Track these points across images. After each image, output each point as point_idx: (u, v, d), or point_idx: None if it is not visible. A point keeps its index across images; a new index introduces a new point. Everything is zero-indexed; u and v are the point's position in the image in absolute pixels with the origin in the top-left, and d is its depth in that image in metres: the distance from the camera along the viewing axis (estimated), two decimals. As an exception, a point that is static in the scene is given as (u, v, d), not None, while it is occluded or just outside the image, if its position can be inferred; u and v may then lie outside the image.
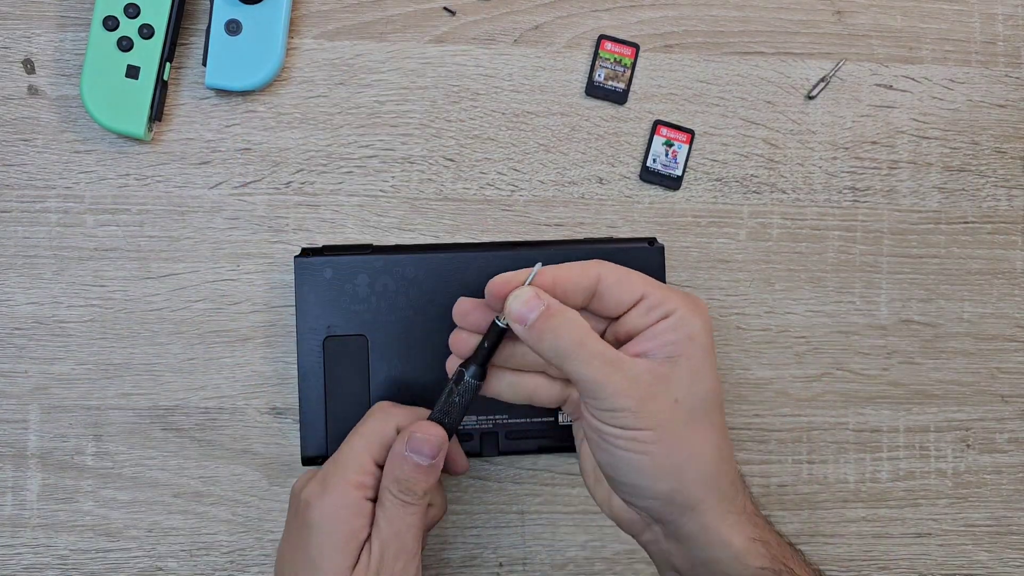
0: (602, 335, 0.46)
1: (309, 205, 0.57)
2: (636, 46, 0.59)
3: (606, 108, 0.59)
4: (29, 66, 0.57)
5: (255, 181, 0.57)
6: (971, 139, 0.61)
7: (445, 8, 0.58)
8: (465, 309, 0.47)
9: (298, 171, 0.57)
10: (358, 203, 0.58)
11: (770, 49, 0.60)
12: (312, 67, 0.58)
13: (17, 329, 0.56)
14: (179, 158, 0.57)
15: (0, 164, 0.56)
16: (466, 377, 0.46)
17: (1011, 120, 0.61)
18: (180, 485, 0.56)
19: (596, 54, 0.59)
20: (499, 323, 0.45)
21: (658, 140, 0.59)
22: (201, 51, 0.56)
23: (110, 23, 0.54)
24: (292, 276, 0.54)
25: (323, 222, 0.57)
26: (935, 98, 0.61)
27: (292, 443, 0.57)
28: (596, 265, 0.45)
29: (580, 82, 0.59)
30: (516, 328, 0.44)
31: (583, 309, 0.45)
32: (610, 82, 0.59)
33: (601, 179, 0.59)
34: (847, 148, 0.60)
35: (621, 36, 0.59)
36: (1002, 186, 0.61)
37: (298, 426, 0.55)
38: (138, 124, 0.55)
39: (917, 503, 0.60)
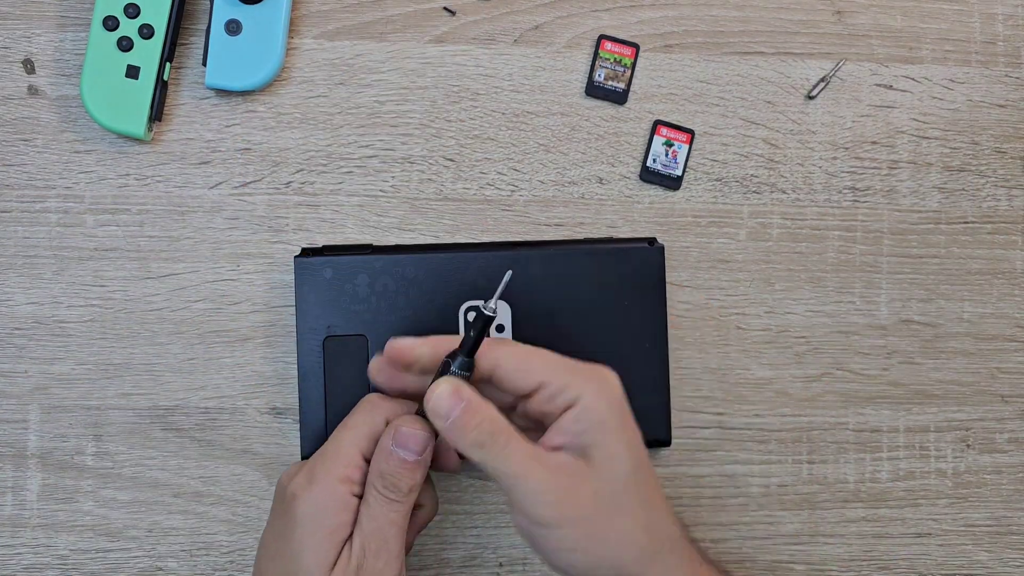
0: (512, 409, 0.46)
1: (309, 205, 0.57)
2: (636, 46, 0.59)
3: (606, 108, 0.59)
4: (29, 66, 0.57)
5: (255, 181, 0.57)
6: (971, 139, 0.61)
7: (445, 8, 0.58)
8: (374, 369, 0.48)
9: (298, 171, 0.57)
10: (358, 203, 0.58)
11: (770, 49, 0.60)
12: (312, 67, 0.58)
13: (17, 329, 0.56)
14: (179, 158, 0.57)
15: (0, 164, 0.56)
16: (452, 368, 0.44)
17: (1011, 120, 0.61)
18: (180, 485, 0.56)
19: (596, 54, 0.59)
20: (484, 311, 0.44)
21: (658, 140, 0.59)
22: (201, 51, 0.56)
23: (110, 23, 0.54)
24: (292, 276, 0.54)
25: (323, 222, 0.57)
26: (935, 98, 0.61)
27: (292, 443, 0.57)
28: (495, 349, 0.45)
29: (580, 82, 0.59)
30: (436, 423, 0.44)
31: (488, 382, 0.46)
32: (610, 82, 0.59)
33: (601, 179, 0.59)
34: (847, 148, 0.60)
35: (621, 36, 0.59)
36: (1002, 186, 0.61)
37: (298, 426, 0.55)
38: (138, 124, 0.55)
39: (917, 503, 0.60)
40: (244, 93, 0.57)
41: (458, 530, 0.58)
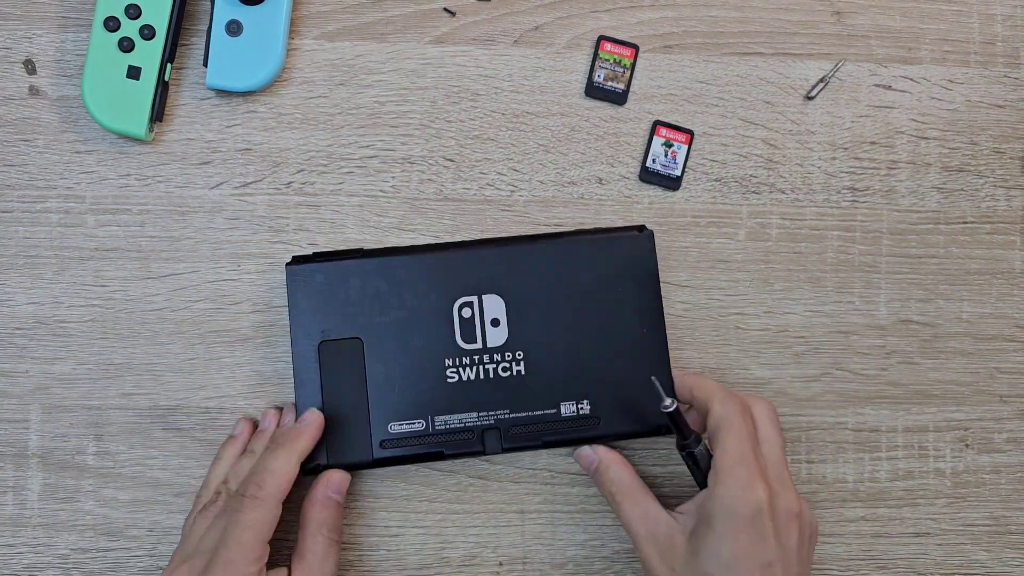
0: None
1: (309, 205, 0.58)
2: (635, 47, 0.59)
3: (606, 109, 0.59)
4: (30, 67, 0.57)
5: (256, 181, 0.57)
6: (970, 139, 0.61)
7: (445, 9, 0.59)
8: None
9: (298, 171, 0.58)
10: (358, 203, 0.58)
11: (769, 50, 0.60)
12: (312, 68, 0.58)
13: (18, 329, 0.56)
14: (180, 158, 0.57)
15: (1, 164, 0.56)
16: (698, 448, 0.52)
17: (1010, 120, 0.62)
18: (181, 485, 0.56)
19: (596, 55, 0.59)
20: (664, 410, 0.51)
21: (657, 140, 0.59)
22: (202, 52, 0.56)
23: (111, 24, 0.54)
24: (292, 276, 0.54)
25: (323, 222, 0.57)
26: (934, 98, 0.61)
27: (292, 443, 0.57)
28: (711, 399, 0.52)
29: (580, 83, 0.59)
30: (586, 471, 0.55)
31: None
32: (610, 83, 0.59)
33: (601, 179, 0.59)
34: (846, 148, 0.60)
35: (621, 37, 0.59)
36: (1001, 186, 0.61)
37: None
38: (139, 124, 0.55)
39: (916, 503, 0.60)
40: (245, 94, 0.57)
41: (458, 530, 0.58)
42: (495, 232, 0.58)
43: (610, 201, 0.59)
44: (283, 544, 0.54)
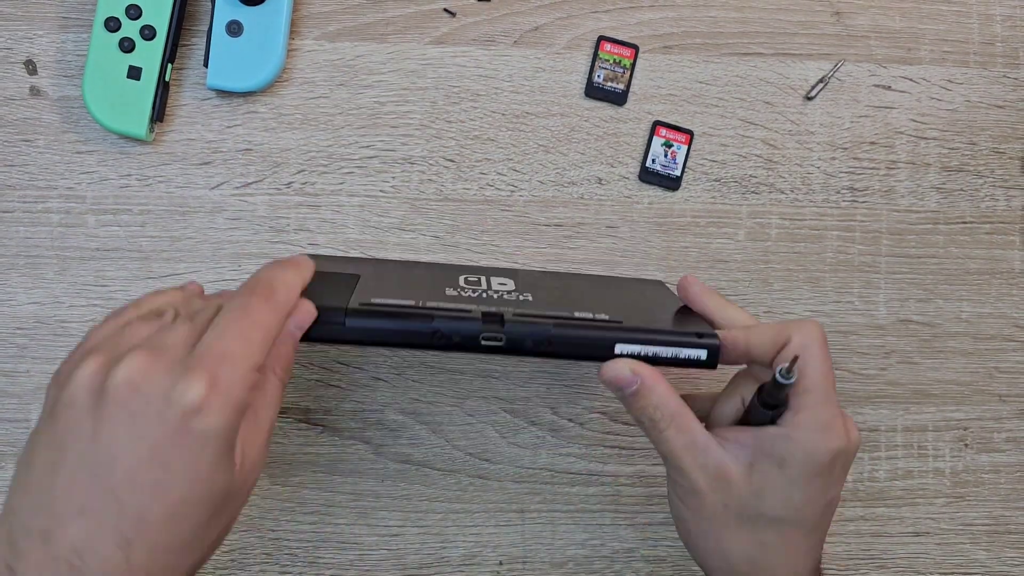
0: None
1: (310, 206, 0.58)
2: (635, 47, 0.59)
3: (605, 109, 0.59)
4: (31, 67, 0.57)
5: (256, 182, 0.58)
6: (969, 139, 0.61)
7: (445, 9, 0.59)
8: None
9: (299, 172, 0.58)
10: (359, 203, 0.58)
11: (769, 50, 0.60)
12: (313, 68, 0.58)
13: (19, 329, 0.56)
14: (180, 159, 0.57)
15: (2, 164, 0.56)
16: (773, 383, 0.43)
17: (1009, 121, 0.62)
18: (181, 484, 0.56)
19: (595, 55, 0.59)
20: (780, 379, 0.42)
21: (657, 141, 0.59)
22: (202, 52, 0.56)
23: (112, 24, 0.55)
24: (293, 276, 0.54)
25: (324, 222, 0.58)
26: (933, 99, 0.61)
27: (293, 442, 0.57)
28: (793, 335, 0.44)
29: (580, 83, 0.59)
30: (613, 392, 0.45)
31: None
32: (609, 83, 0.59)
33: (600, 179, 0.59)
34: (845, 148, 0.60)
35: (620, 37, 0.59)
36: (1000, 186, 0.61)
37: (298, 427, 0.55)
38: (140, 125, 0.55)
39: (915, 502, 0.60)
40: (245, 94, 0.57)
41: (458, 529, 0.58)
42: (495, 232, 0.58)
43: (610, 201, 0.59)
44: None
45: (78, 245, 0.57)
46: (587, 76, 0.59)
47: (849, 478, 0.60)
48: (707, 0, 0.60)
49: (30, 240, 0.56)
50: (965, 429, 0.61)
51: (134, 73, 0.55)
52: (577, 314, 0.44)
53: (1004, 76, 0.62)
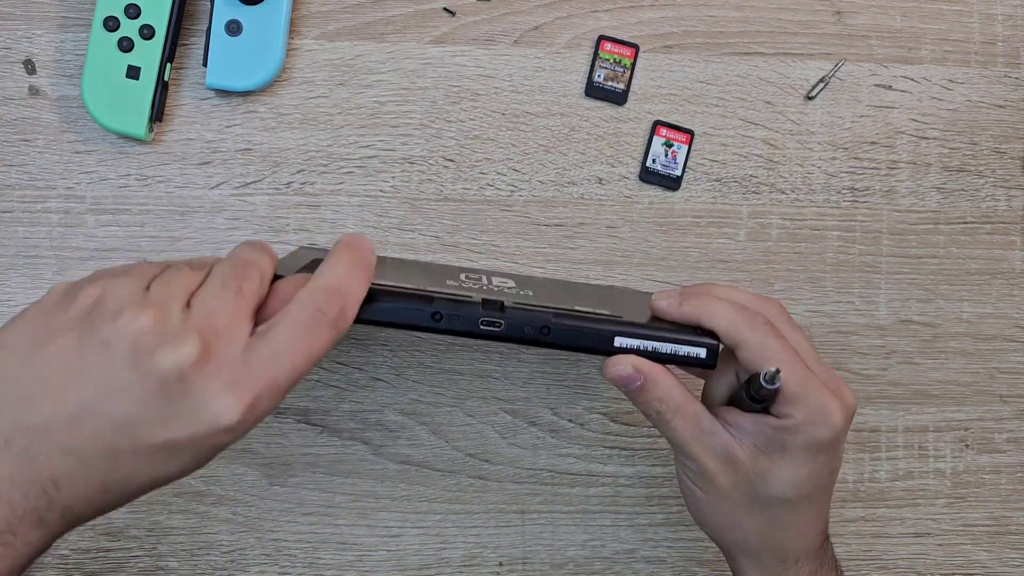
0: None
1: (310, 205, 0.57)
2: (636, 47, 0.59)
3: (606, 108, 0.59)
4: (30, 67, 0.57)
5: (256, 181, 0.57)
6: (970, 139, 0.61)
7: (445, 9, 0.59)
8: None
9: (299, 171, 0.58)
10: (358, 203, 0.58)
11: (770, 50, 0.60)
12: (312, 68, 0.58)
13: (18, 329, 0.56)
14: (180, 158, 0.57)
15: (1, 164, 0.56)
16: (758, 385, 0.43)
17: (1010, 120, 0.61)
18: (181, 484, 0.56)
19: (596, 55, 0.59)
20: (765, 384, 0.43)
21: (657, 140, 0.59)
22: (202, 52, 0.56)
23: (111, 24, 0.54)
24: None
25: (324, 222, 0.57)
26: (934, 98, 0.61)
27: (293, 443, 0.57)
28: (743, 332, 0.45)
29: (580, 83, 0.59)
30: (622, 389, 0.46)
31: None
32: (610, 83, 0.59)
33: (601, 179, 0.59)
34: (846, 148, 0.60)
35: (621, 37, 0.59)
36: (1001, 186, 0.61)
37: (298, 427, 0.55)
38: (139, 124, 0.55)
39: (916, 503, 0.60)
40: (245, 93, 0.57)
41: (458, 530, 0.58)
42: (495, 232, 0.58)
43: (610, 201, 0.59)
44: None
45: (77, 245, 0.57)
46: (587, 76, 0.59)
47: (849, 478, 0.59)
48: (707, 0, 0.60)
49: (29, 240, 0.56)
50: (966, 430, 0.61)
51: (133, 73, 0.55)
52: (577, 307, 0.45)
53: (1005, 76, 0.62)
